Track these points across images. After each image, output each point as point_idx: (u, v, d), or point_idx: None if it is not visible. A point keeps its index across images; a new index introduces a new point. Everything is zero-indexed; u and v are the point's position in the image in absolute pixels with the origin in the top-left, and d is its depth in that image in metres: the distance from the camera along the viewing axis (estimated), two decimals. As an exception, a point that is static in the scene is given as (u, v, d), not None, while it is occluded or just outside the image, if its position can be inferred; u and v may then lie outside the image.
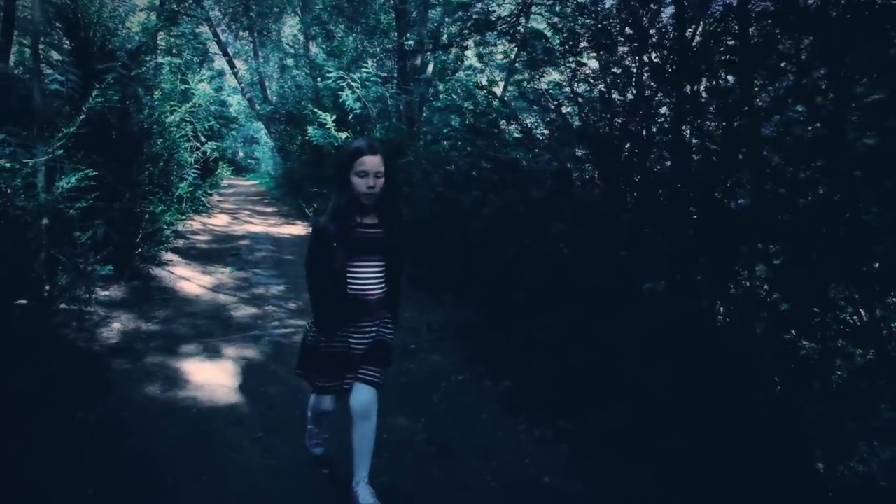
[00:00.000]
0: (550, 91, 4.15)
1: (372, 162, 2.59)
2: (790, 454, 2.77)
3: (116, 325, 5.29)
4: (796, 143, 3.33)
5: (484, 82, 10.48)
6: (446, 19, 7.84)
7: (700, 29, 3.62)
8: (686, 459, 2.79)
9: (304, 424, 3.43)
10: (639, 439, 3.01)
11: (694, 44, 3.55)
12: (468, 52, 10.26)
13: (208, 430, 3.68)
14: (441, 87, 9.94)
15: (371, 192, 2.60)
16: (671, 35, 3.28)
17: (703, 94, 3.57)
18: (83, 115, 4.49)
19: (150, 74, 7.49)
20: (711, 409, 2.97)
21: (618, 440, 3.10)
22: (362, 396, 2.73)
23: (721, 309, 3.38)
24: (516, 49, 7.43)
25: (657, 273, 3.38)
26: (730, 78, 3.75)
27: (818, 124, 3.30)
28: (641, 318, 3.04)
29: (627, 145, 3.68)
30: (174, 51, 9.68)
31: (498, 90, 8.88)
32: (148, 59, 7.29)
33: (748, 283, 3.43)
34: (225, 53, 16.53)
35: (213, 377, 4.45)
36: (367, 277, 2.71)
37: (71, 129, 4.33)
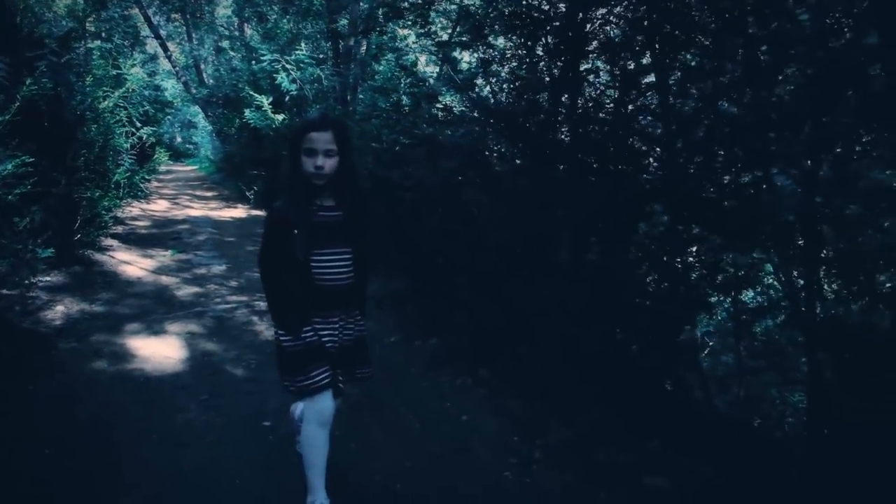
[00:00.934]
0: (471, 69, 4.55)
1: (321, 138, 2.31)
2: (661, 386, 3.29)
3: (60, 308, 5.49)
4: (676, 118, 3.84)
5: (423, 60, 10.81)
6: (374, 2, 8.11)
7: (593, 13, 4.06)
8: (579, 394, 3.28)
9: (256, 403, 3.79)
10: (541, 381, 3.49)
11: (587, 29, 4.00)
12: (406, 32, 10.55)
13: (156, 395, 3.99)
14: (377, 68, 10.21)
15: (319, 173, 2.32)
16: (564, 21, 3.71)
17: (597, 72, 4.04)
18: (17, 104, 4.65)
19: (80, 60, 7.54)
20: (603, 353, 3.47)
21: (525, 382, 3.58)
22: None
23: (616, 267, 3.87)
24: (450, 29, 7.78)
25: (560, 237, 3.84)
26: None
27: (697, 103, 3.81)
28: (544, 279, 3.51)
29: (534, 120, 4.12)
30: (104, 35, 9.63)
31: (436, 69, 9.24)
32: (77, 44, 7.35)
33: (640, 241, 3.94)
34: (157, 36, 16.31)
35: (158, 351, 4.74)
36: (332, 266, 2.44)
37: (6, 118, 4.51)
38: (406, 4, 4.58)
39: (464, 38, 4.42)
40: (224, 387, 4.16)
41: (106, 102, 7.80)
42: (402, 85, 5.04)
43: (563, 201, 3.51)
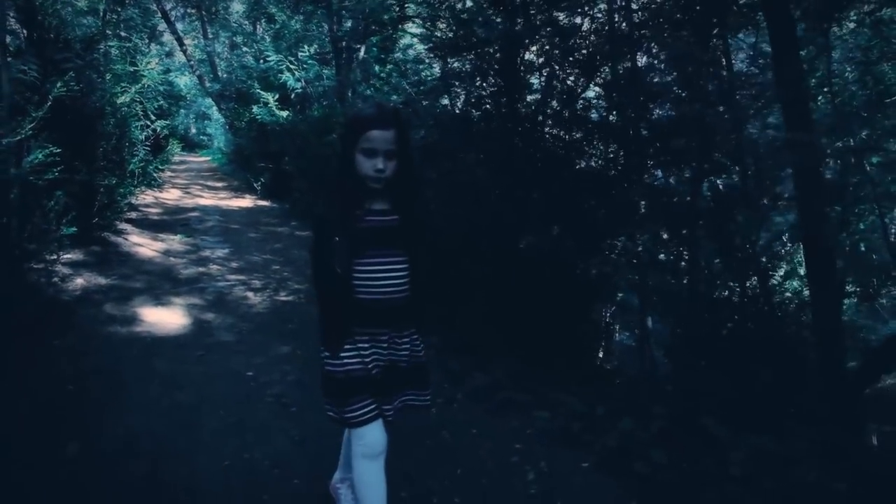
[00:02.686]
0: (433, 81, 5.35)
1: (382, 138, 2.05)
2: (575, 350, 4.06)
3: (80, 281, 6.36)
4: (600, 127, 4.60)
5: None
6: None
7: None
8: (499, 352, 4.07)
9: (242, 359, 4.61)
10: (472, 343, 4.27)
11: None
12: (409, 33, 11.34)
13: (159, 351, 4.82)
14: (378, 69, 11.00)
15: (379, 176, 2.07)
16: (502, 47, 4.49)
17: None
18: (49, 102, 5.51)
19: (101, 59, 8.43)
20: (520, 322, 4.24)
21: (461, 344, 4.36)
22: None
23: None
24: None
25: (500, 222, 4.62)
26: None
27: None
28: (471, 263, 4.30)
29: (483, 126, 4.90)
30: (122, 34, 10.51)
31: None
32: (100, 46, 8.24)
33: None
34: (174, 31, 17.26)
35: (163, 318, 5.58)
36: (383, 277, 2.17)
37: (40, 114, 5.37)
38: (386, 18, 5.37)
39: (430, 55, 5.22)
40: (217, 347, 4.99)
41: (123, 97, 8.70)
42: (390, 85, 5.76)
43: (497, 199, 4.29)
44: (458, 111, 4.91)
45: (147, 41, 16.33)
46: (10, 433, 3.42)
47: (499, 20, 4.40)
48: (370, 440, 2.23)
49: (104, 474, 3.12)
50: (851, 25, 8.32)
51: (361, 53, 9.83)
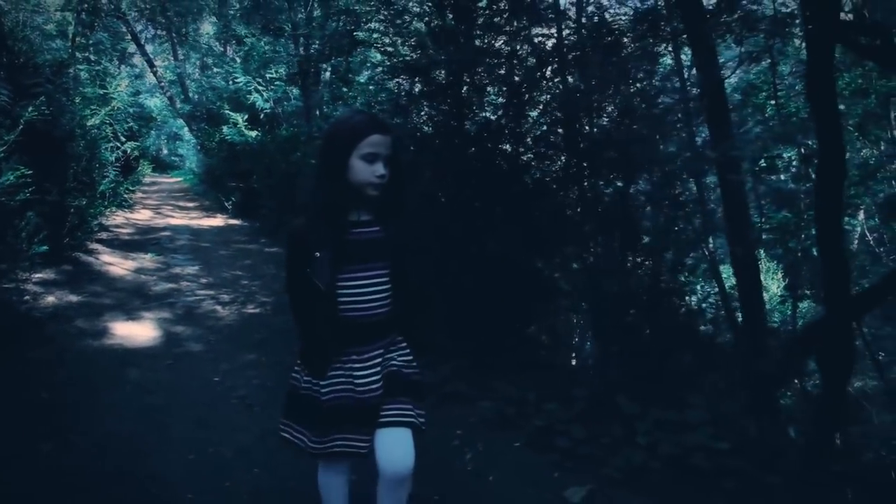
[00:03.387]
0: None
1: (383, 142, 2.02)
2: (522, 346, 4.44)
3: (51, 299, 6.61)
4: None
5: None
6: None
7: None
8: (449, 351, 4.43)
9: (210, 366, 4.93)
10: (439, 347, 4.63)
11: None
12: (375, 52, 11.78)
13: (130, 361, 5.11)
14: (344, 90, 11.40)
15: (382, 182, 2.02)
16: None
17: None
18: (21, 126, 5.81)
19: (70, 83, 8.72)
20: (494, 323, 4.61)
21: (425, 348, 4.72)
22: (396, 447, 2.07)
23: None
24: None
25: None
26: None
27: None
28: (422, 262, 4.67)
29: (443, 142, 5.29)
30: (92, 59, 10.82)
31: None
32: (69, 70, 8.54)
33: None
34: (144, 53, 17.56)
35: (134, 331, 5.86)
36: (368, 293, 2.08)
37: (11, 137, 5.67)
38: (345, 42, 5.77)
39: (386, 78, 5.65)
40: (186, 356, 5.29)
41: (93, 120, 8.98)
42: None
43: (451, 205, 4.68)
44: (415, 130, 5.30)
45: (117, 64, 16.61)
46: (-12, 434, 3.70)
47: (448, 47, 4.81)
48: (329, 480, 2.26)
49: (77, 469, 3.42)
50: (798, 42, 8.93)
51: (327, 75, 10.23)
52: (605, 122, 4.66)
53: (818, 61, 3.78)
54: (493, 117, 5.10)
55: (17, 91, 7.12)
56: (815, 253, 12.15)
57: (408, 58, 4.94)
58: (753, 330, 4.79)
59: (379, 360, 2.13)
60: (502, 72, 5.05)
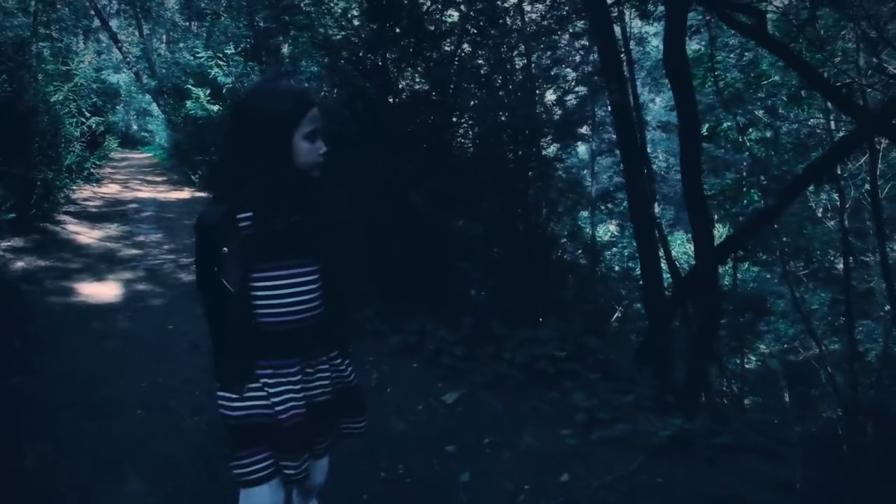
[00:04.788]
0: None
1: (319, 115, 1.79)
2: (432, 291, 5.14)
3: (20, 264, 7.21)
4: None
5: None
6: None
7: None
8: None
9: (165, 317, 5.60)
10: (364, 294, 5.32)
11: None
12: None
13: (94, 314, 5.76)
14: (304, 65, 11.91)
15: (322, 161, 1.79)
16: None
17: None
18: (-16, 103, 6.37)
19: (33, 61, 9.21)
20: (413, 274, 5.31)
21: (352, 296, 5.41)
22: (319, 472, 2.03)
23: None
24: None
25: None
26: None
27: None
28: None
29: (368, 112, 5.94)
30: (55, 35, 11.24)
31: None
32: (31, 47, 9.02)
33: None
34: (108, 29, 17.86)
35: (99, 291, 6.50)
36: (289, 294, 1.79)
37: (-24, 114, 6.23)
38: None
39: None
40: (144, 310, 5.96)
41: (56, 96, 9.49)
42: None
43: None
44: (345, 101, 5.94)
45: (82, 39, 16.92)
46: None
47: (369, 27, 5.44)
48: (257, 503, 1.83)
49: (42, 396, 4.10)
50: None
51: (284, 50, 10.76)
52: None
53: (674, 30, 4.45)
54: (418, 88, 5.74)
55: (-20, 70, 7.64)
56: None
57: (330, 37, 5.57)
58: (652, 280, 5.55)
59: (297, 374, 1.80)
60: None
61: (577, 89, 6.15)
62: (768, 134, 11.42)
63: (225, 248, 1.71)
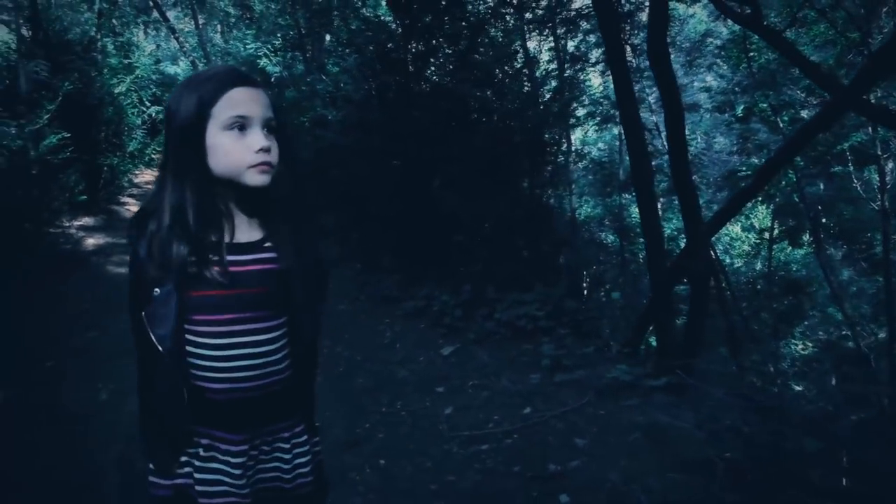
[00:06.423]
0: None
1: (255, 99, 1.29)
2: (442, 262, 5.80)
3: (91, 240, 8.22)
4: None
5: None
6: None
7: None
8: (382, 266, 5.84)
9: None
10: (383, 266, 6.04)
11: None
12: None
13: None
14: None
15: (265, 161, 1.28)
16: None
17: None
18: (59, 98, 7.32)
19: (98, 56, 10.23)
20: (423, 246, 5.99)
21: (372, 268, 6.14)
22: None
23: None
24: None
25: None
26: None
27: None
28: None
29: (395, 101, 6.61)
30: (117, 30, 12.29)
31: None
32: (97, 45, 10.04)
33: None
34: (166, 21, 19.04)
35: (157, 263, 7.41)
36: (245, 356, 1.33)
37: (52, 107, 7.19)
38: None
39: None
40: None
41: (119, 88, 10.51)
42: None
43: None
44: (373, 93, 6.63)
45: (143, 30, 18.13)
46: (40, 329, 5.29)
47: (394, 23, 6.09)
48: None
49: (110, 348, 4.96)
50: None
51: (327, 39, 11.52)
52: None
53: (656, 20, 4.93)
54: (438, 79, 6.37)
55: (53, 66, 8.65)
56: (795, 199, 13.12)
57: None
58: (655, 252, 6.07)
59: (246, 454, 1.37)
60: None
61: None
62: (804, 114, 11.55)
63: (157, 290, 1.29)
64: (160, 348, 1.31)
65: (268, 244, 1.36)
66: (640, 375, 3.41)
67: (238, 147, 1.27)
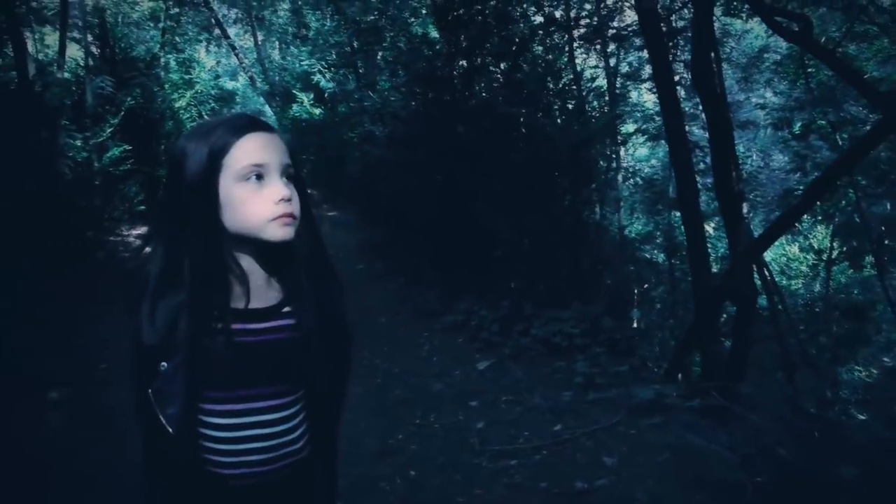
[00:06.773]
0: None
1: (272, 145, 1.16)
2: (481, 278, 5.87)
3: (148, 248, 8.58)
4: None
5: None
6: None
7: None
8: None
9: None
10: (426, 281, 6.13)
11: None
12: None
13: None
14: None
15: (289, 214, 1.15)
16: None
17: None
18: (122, 112, 7.72)
19: (161, 72, 10.71)
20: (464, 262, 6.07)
21: (415, 282, 6.24)
22: None
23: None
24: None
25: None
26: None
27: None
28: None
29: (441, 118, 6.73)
30: (179, 47, 12.83)
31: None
32: (159, 61, 10.52)
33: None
34: (226, 36, 19.77)
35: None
36: (261, 436, 1.21)
37: (116, 121, 7.58)
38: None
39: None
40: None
41: (180, 102, 10.97)
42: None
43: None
44: (420, 109, 6.77)
45: (205, 46, 18.87)
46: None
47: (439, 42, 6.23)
48: None
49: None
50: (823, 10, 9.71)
51: (378, 57, 11.76)
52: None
53: (700, 46, 4.91)
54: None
55: (118, 82, 9.12)
56: (856, 219, 12.76)
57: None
58: (699, 271, 5.98)
59: None
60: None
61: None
62: (865, 130, 11.17)
63: (164, 364, 1.16)
64: (170, 430, 1.16)
65: (287, 309, 1.22)
66: (674, 396, 3.38)
67: (256, 199, 1.14)
